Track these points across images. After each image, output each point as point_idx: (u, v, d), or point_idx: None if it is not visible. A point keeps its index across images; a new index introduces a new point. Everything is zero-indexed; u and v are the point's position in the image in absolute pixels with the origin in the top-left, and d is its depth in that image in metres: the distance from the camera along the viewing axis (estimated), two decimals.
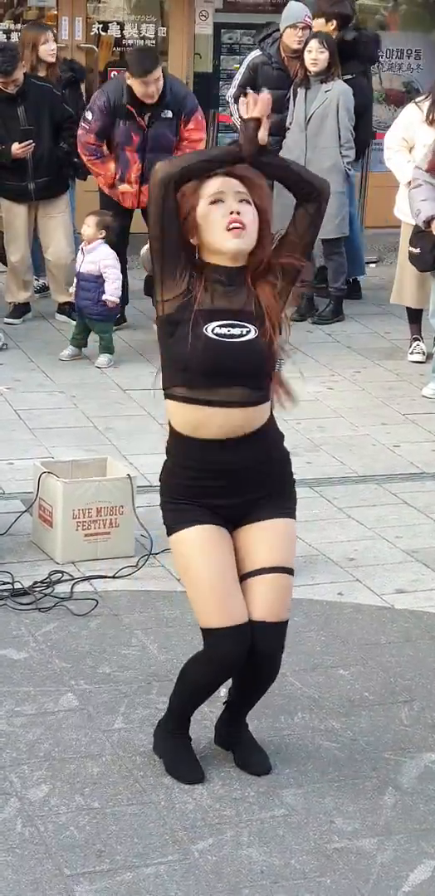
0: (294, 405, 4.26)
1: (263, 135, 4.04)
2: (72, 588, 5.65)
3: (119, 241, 9.06)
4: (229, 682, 4.42)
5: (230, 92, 10.30)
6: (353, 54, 10.10)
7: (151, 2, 12.51)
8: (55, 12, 11.92)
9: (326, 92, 9.81)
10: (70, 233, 9.63)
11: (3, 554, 5.92)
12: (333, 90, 9.82)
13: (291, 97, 9.91)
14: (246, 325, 4.08)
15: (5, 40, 9.43)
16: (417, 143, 9.04)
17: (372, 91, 10.73)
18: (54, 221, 9.58)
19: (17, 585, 5.60)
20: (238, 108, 9.99)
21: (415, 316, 9.38)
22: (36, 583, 5.65)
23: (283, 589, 4.21)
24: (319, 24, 10.08)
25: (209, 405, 4.08)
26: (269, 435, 4.21)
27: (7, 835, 4.03)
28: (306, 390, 8.48)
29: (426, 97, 9.10)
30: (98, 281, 8.75)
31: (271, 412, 4.22)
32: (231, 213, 4.03)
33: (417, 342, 9.35)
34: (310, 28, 10.03)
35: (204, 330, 4.04)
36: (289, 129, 9.90)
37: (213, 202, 4.05)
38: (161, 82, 9.00)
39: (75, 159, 9.45)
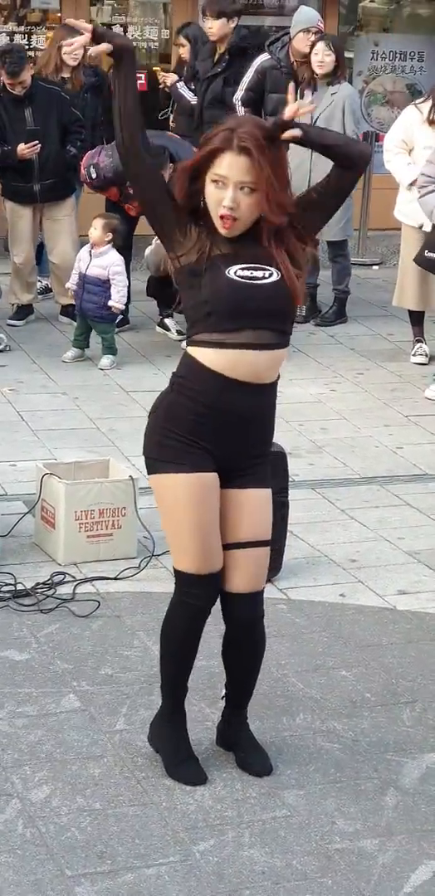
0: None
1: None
2: (74, 589, 5.65)
3: (124, 244, 9.07)
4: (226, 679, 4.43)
5: (238, 95, 10.28)
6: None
7: (155, 4, 12.52)
8: (59, 14, 11.93)
9: (332, 94, 9.80)
10: (75, 236, 9.63)
11: (6, 555, 5.92)
12: (339, 92, 9.81)
13: (298, 99, 9.90)
14: (268, 268, 4.09)
15: (11, 42, 9.43)
16: (416, 145, 9.04)
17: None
18: (59, 224, 9.59)
19: (20, 587, 5.60)
20: (246, 112, 10.08)
21: (417, 318, 9.38)
22: (38, 584, 5.65)
23: (262, 560, 4.29)
24: (220, 23, 10.03)
25: (237, 347, 4.08)
26: (275, 393, 4.23)
27: (8, 836, 4.03)
28: (309, 392, 8.50)
29: (426, 99, 9.10)
30: (105, 286, 8.75)
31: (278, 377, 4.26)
32: (224, 206, 4.03)
33: (419, 344, 9.35)
34: (322, 33, 10.04)
35: (226, 273, 4.06)
36: None
37: (215, 182, 4.05)
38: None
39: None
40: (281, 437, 6.70)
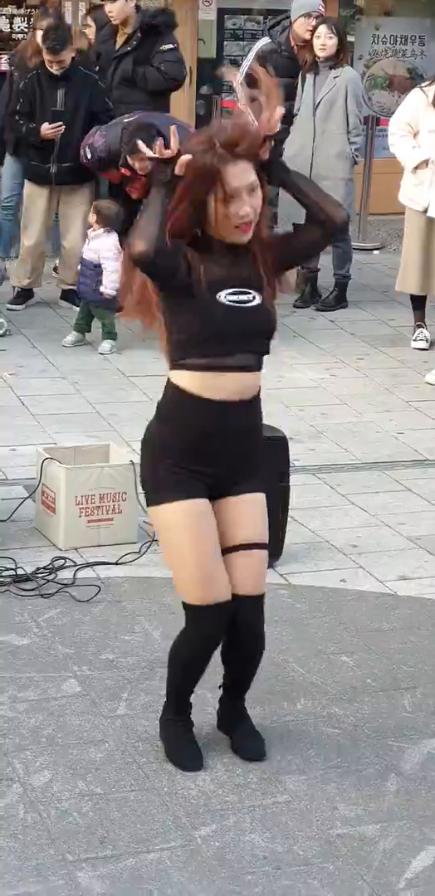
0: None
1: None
2: (74, 574, 5.65)
3: (125, 229, 9.03)
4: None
5: (238, 79, 10.24)
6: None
7: None
8: None
9: (334, 78, 9.78)
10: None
11: (6, 540, 5.92)
12: (341, 76, 9.79)
13: (299, 83, 9.88)
14: (251, 291, 4.13)
15: (58, 19, 9.32)
16: (421, 129, 9.02)
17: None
18: (75, 211, 9.50)
19: (20, 571, 5.60)
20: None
21: (419, 303, 9.37)
22: (38, 569, 5.65)
23: (262, 563, 4.29)
24: (118, 5, 9.83)
25: (224, 370, 4.10)
26: (259, 403, 4.26)
27: (10, 820, 4.03)
28: (309, 377, 8.49)
29: (432, 82, 9.08)
30: (96, 269, 8.75)
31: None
32: (243, 216, 4.06)
33: (420, 329, 9.33)
34: (323, 17, 10.00)
35: (217, 297, 4.08)
36: (296, 114, 9.88)
37: (227, 200, 4.05)
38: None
39: None
40: (282, 422, 6.71)
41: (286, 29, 10.13)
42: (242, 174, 4.06)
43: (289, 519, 5.90)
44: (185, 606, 4.23)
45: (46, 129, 9.24)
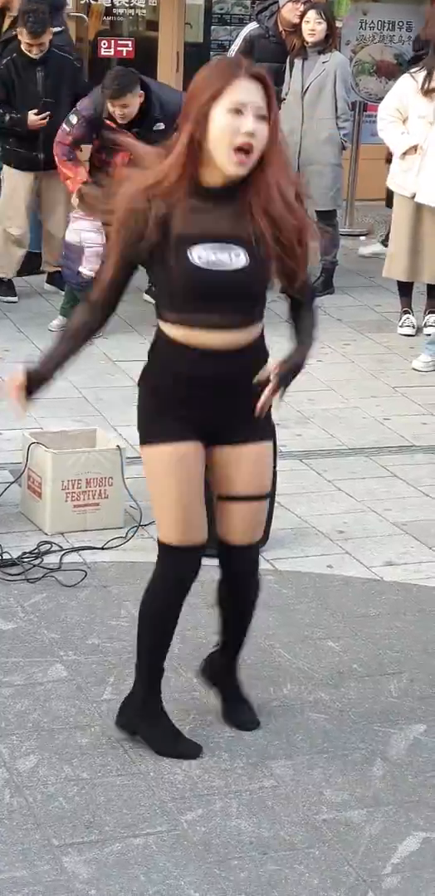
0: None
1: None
2: (61, 559, 5.64)
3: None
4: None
5: None
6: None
7: None
8: None
9: (323, 63, 9.76)
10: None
11: None
12: (330, 61, 9.77)
13: (288, 68, 9.87)
14: (235, 247, 3.95)
15: (36, 1, 9.29)
16: (410, 114, 9.00)
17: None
18: (58, 195, 9.38)
19: (6, 556, 5.59)
20: None
21: (405, 289, 9.37)
22: (24, 553, 5.64)
23: (258, 514, 4.29)
24: None
25: (203, 327, 4.00)
26: (257, 350, 4.13)
27: None
28: None
29: (421, 68, 9.07)
30: (77, 252, 8.71)
31: (262, 328, 4.16)
32: (245, 133, 3.83)
33: (407, 315, 9.34)
34: (311, 2, 9.98)
35: (188, 256, 3.93)
36: (284, 99, 9.86)
37: (232, 111, 3.84)
38: (135, 107, 8.76)
39: None
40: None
41: (274, 14, 10.11)
42: (251, 92, 3.87)
43: (276, 505, 5.89)
44: (161, 546, 4.21)
45: (34, 120, 9.14)
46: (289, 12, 9.97)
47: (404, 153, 8.99)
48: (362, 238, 11.75)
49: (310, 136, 9.77)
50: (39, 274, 9.81)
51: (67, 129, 8.91)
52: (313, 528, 6.13)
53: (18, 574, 5.48)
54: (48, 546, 5.73)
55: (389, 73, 11.94)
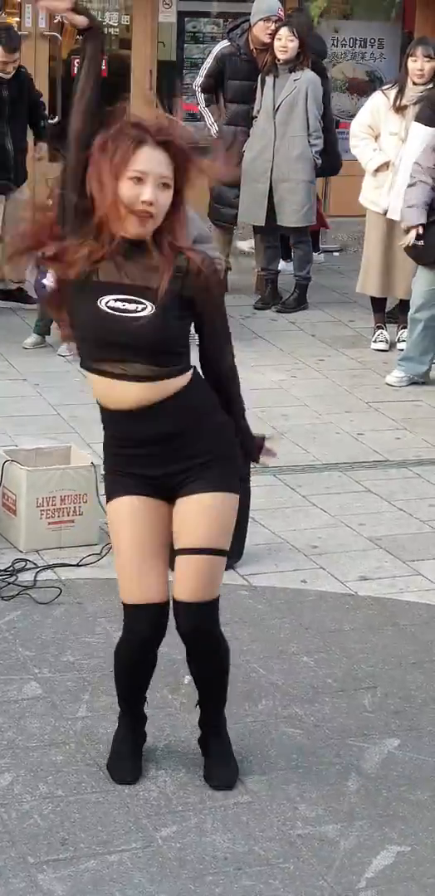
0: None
1: None
2: (35, 576, 5.64)
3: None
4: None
5: (197, 81, 10.25)
6: None
7: None
8: (18, 0, 11.86)
9: (295, 81, 9.80)
10: None
11: None
12: (301, 79, 9.81)
13: (259, 85, 9.90)
14: (142, 301, 3.94)
15: (7, 23, 9.27)
16: (382, 131, 9.06)
17: None
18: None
19: None
20: (205, 98, 10.05)
21: (379, 305, 9.41)
22: None
23: (202, 570, 4.08)
24: None
25: (106, 376, 3.99)
26: (182, 406, 4.02)
27: None
28: (270, 378, 8.51)
29: (393, 85, 9.12)
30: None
31: (193, 382, 4.06)
32: (143, 201, 3.90)
33: (380, 331, 9.38)
34: (282, 20, 10.03)
35: (98, 302, 3.95)
36: (256, 117, 9.90)
37: (133, 179, 3.90)
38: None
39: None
40: None
41: (245, 32, 10.15)
42: (154, 161, 3.92)
43: (250, 520, 5.91)
44: (123, 606, 4.19)
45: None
46: (260, 31, 10.01)
47: (376, 170, 9.04)
48: (335, 254, 11.78)
49: (282, 153, 9.81)
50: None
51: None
52: (288, 543, 6.15)
53: None
54: (23, 563, 5.73)
55: (361, 90, 12.01)
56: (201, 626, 4.15)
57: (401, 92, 8.97)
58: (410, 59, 9.00)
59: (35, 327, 9.00)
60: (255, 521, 6.09)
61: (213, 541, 4.08)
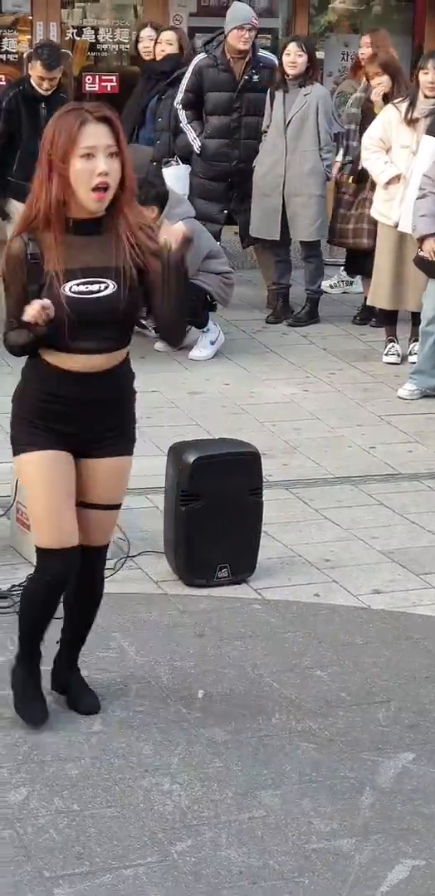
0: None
1: None
2: None
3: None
4: None
5: (178, 97, 10.15)
6: None
7: (126, 6, 12.51)
8: (30, 17, 11.91)
9: (305, 95, 9.81)
10: None
11: None
12: (311, 93, 9.83)
13: (268, 100, 9.91)
14: (103, 280, 4.30)
15: (51, 40, 9.25)
16: (394, 144, 9.08)
17: None
18: None
19: None
20: (186, 115, 10.02)
21: (390, 318, 9.42)
22: (14, 586, 5.64)
23: (111, 520, 4.64)
24: None
25: (70, 352, 4.33)
26: (123, 372, 4.46)
27: None
28: (282, 392, 8.52)
29: (404, 98, 9.14)
30: None
31: (127, 352, 4.48)
32: (99, 174, 4.20)
33: (392, 344, 9.38)
34: (256, 29, 10.01)
35: (61, 290, 4.25)
36: (265, 132, 9.90)
37: (84, 156, 4.20)
38: None
39: None
40: (254, 437, 6.74)
41: (221, 43, 10.09)
42: (99, 134, 4.21)
43: (262, 534, 5.92)
44: (37, 550, 4.50)
45: None
46: (234, 39, 9.93)
47: (387, 183, 9.06)
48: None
49: (294, 167, 9.82)
50: None
51: None
52: (300, 556, 6.16)
53: (8, 607, 5.48)
54: None
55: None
56: (100, 566, 4.67)
57: (412, 105, 8.99)
58: (421, 73, 9.02)
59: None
60: (267, 535, 6.11)
61: (120, 497, 4.62)
